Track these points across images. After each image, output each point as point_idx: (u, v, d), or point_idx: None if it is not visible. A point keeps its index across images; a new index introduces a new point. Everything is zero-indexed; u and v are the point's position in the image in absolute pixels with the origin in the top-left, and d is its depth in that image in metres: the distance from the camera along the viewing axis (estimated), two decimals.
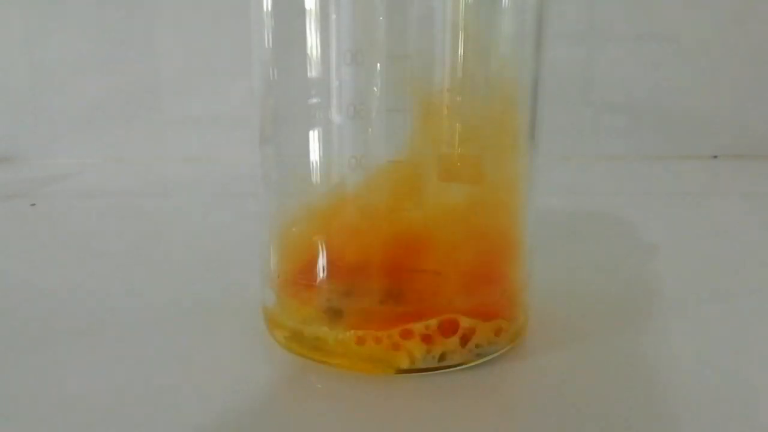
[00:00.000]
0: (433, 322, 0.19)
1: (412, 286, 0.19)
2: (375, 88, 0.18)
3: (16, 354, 0.21)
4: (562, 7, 0.56)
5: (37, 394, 0.18)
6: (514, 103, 0.19)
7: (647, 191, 0.50)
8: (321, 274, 0.19)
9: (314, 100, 0.18)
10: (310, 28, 0.18)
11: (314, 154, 0.19)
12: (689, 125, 0.62)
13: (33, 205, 0.38)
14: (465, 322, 0.19)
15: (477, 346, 0.19)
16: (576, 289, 0.26)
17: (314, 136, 0.18)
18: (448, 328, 0.19)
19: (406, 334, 0.19)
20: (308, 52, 0.18)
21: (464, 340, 0.19)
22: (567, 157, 0.60)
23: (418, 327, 0.19)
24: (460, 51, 0.18)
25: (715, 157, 0.61)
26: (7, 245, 0.35)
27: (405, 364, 0.19)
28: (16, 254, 0.33)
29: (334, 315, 0.19)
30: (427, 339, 0.19)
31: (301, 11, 0.18)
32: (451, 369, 0.19)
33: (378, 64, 0.17)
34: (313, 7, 0.18)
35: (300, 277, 0.20)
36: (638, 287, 0.27)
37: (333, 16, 0.17)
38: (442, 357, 0.19)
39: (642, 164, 0.59)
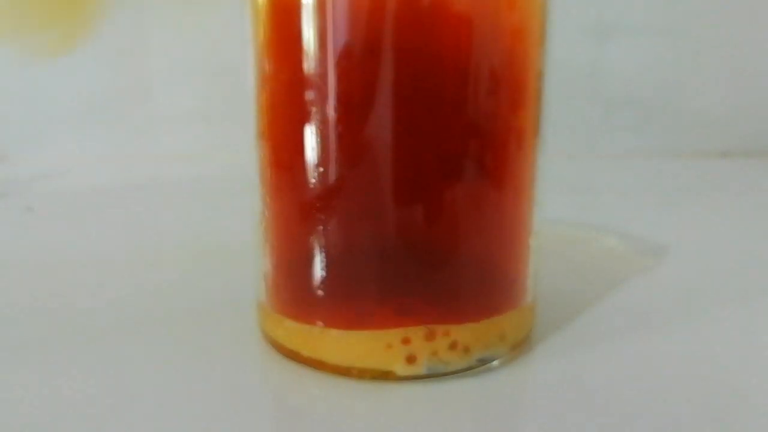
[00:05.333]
0: (436, 327, 0.18)
1: (413, 284, 0.18)
2: (372, 83, 0.17)
3: (8, 355, 0.20)
4: (571, 1, 0.56)
5: (31, 397, 0.18)
6: (521, 98, 0.19)
7: (656, 189, 0.50)
8: (318, 272, 0.19)
9: (311, 95, 0.18)
10: (306, 22, 0.17)
11: (310, 150, 0.18)
12: (699, 123, 0.61)
13: (30, 209, 0.37)
14: (468, 327, 0.18)
15: (480, 351, 0.19)
16: (583, 291, 0.25)
17: (310, 132, 0.18)
18: (451, 333, 0.18)
19: (407, 340, 0.18)
20: (304, 46, 0.17)
21: (467, 346, 0.18)
22: (575, 155, 0.59)
23: (420, 331, 0.18)
24: (463, 46, 0.17)
25: (725, 154, 0.61)
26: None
27: (406, 370, 0.18)
28: (11, 253, 0.33)
29: (330, 316, 0.19)
30: (429, 344, 0.18)
31: (297, 4, 0.17)
32: (452, 375, 0.18)
33: (375, 58, 0.17)
34: (308, 0, 0.17)
35: (296, 275, 0.19)
36: (647, 289, 0.26)
37: (329, 10, 0.17)
38: (444, 363, 0.18)
39: (651, 162, 0.58)
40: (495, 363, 0.19)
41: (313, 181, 0.18)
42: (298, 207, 0.19)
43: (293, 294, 0.20)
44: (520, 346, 0.20)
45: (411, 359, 0.18)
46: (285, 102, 0.19)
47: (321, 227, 0.18)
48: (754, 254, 0.32)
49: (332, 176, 0.18)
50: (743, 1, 0.58)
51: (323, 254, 0.19)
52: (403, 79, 0.17)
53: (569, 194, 0.45)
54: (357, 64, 0.17)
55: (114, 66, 0.59)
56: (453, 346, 0.18)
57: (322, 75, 0.17)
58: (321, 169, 0.18)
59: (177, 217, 0.42)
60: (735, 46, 0.59)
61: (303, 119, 0.18)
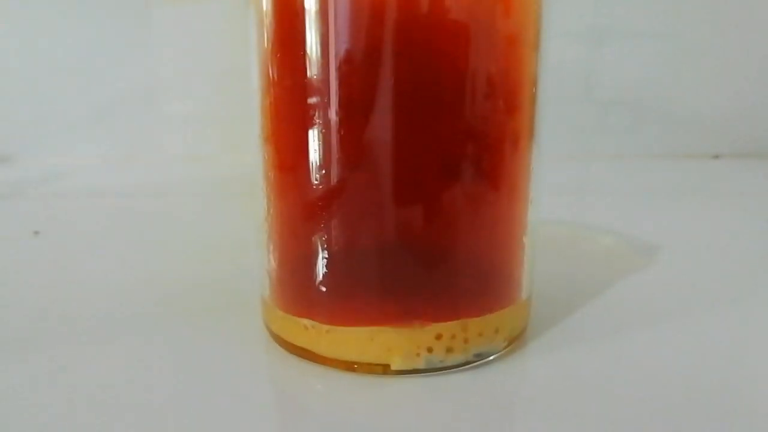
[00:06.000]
0: (435, 323, 0.19)
1: (412, 281, 0.19)
2: (372, 87, 0.18)
3: (9, 354, 0.21)
4: (566, 4, 0.56)
5: (40, 392, 0.18)
6: (516, 102, 0.19)
7: (650, 190, 0.50)
8: (321, 269, 0.19)
9: (313, 100, 0.18)
10: (310, 27, 0.18)
11: (313, 153, 0.18)
12: (691, 124, 0.61)
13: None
14: (466, 323, 0.19)
15: (477, 347, 0.19)
16: (577, 288, 0.26)
17: (313, 135, 0.18)
18: (449, 329, 0.19)
19: (407, 336, 0.19)
20: (307, 51, 0.18)
21: (464, 341, 0.19)
22: (569, 156, 0.60)
23: (419, 327, 0.19)
24: (461, 50, 0.18)
25: (717, 156, 0.61)
26: (2, 244, 0.35)
27: (405, 365, 0.19)
28: (11, 252, 0.33)
29: (332, 313, 0.19)
30: (427, 340, 0.19)
31: (300, 10, 0.18)
32: (450, 370, 0.19)
33: (376, 64, 0.17)
34: (312, 6, 0.17)
35: (299, 273, 0.20)
36: (640, 286, 0.27)
37: (330, 17, 0.17)
38: (442, 358, 0.19)
39: (643, 163, 0.58)
40: (491, 358, 0.20)
41: (315, 182, 0.19)
42: (301, 207, 0.19)
43: (296, 291, 0.20)
44: (515, 342, 0.21)
45: (410, 354, 0.19)
46: (289, 106, 0.19)
47: (323, 226, 0.19)
48: (745, 253, 0.33)
49: (334, 177, 0.18)
50: (736, 4, 0.58)
51: (325, 253, 0.19)
52: (402, 83, 0.17)
53: (565, 195, 0.45)
54: (358, 69, 0.18)
55: (120, 67, 0.59)
56: (451, 341, 0.19)
57: (325, 80, 0.18)
58: (323, 171, 0.18)
59: (181, 216, 0.42)
60: (728, 50, 0.60)
61: (306, 123, 0.18)
